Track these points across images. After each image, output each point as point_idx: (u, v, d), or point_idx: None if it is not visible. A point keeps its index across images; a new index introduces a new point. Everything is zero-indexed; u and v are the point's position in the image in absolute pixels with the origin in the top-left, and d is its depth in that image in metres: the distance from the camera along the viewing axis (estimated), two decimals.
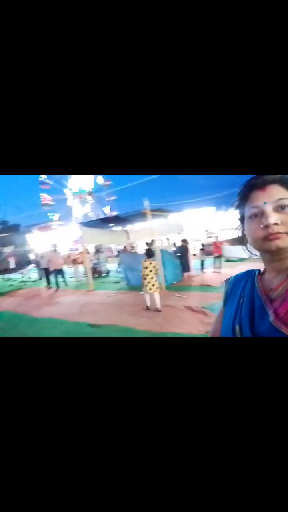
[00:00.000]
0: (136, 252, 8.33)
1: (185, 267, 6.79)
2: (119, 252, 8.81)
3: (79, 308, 4.99)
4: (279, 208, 0.49)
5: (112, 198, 22.02)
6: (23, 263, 10.92)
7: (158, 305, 4.15)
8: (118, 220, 7.62)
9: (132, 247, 9.07)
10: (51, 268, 7.17)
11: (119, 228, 8.41)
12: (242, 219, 0.56)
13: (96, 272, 8.47)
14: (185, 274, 6.80)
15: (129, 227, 8.41)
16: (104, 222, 8.04)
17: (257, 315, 0.51)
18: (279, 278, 0.51)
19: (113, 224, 8.22)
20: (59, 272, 7.21)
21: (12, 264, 10.98)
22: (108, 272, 9.29)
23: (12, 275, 10.36)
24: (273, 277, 0.53)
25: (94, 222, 8.58)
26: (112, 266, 9.46)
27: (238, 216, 0.57)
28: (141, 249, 9.86)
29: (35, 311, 4.95)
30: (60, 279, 7.23)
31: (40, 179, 19.82)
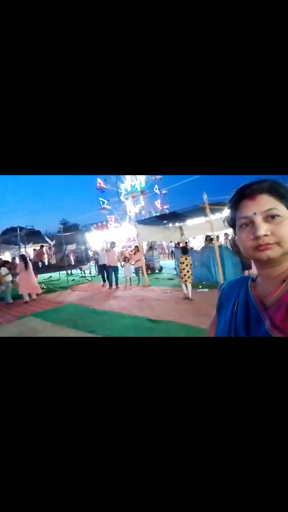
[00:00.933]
0: (192, 248, 8.11)
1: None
2: (175, 246, 8.74)
3: (137, 302, 5.12)
4: (269, 218, 0.48)
5: (164, 191, 22.06)
6: (83, 259, 11.87)
7: (189, 294, 5.01)
8: (173, 216, 7.53)
9: (186, 243, 8.89)
10: (108, 265, 7.33)
11: (172, 224, 8.32)
12: (233, 227, 0.56)
13: (150, 269, 8.57)
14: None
15: (182, 223, 8.25)
16: (159, 219, 8.05)
17: (252, 322, 0.51)
18: (273, 285, 0.51)
19: (166, 221, 8.18)
20: (115, 269, 7.33)
21: (73, 261, 12.03)
22: (161, 268, 9.29)
23: (74, 271, 11.34)
24: (266, 284, 0.53)
25: (149, 220, 8.68)
26: (164, 262, 9.43)
27: (230, 223, 0.57)
28: (196, 245, 9.56)
29: (96, 305, 5.27)
30: (114, 276, 7.37)
31: (98, 185, 20.98)
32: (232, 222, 0.55)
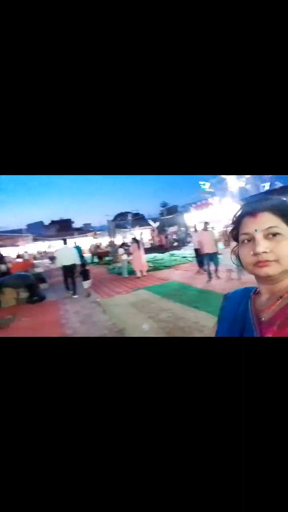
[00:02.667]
0: None
1: None
2: None
3: (240, 286, 5.04)
4: (270, 236, 0.49)
5: None
6: (184, 241, 12.36)
7: None
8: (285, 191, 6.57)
9: None
10: (202, 251, 5.68)
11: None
12: (237, 241, 0.57)
13: None
14: None
15: None
16: (269, 195, 7.21)
17: (246, 334, 0.52)
18: (271, 300, 0.52)
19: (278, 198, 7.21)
20: (212, 256, 5.52)
21: (174, 242, 12.72)
22: None
23: (175, 252, 12.03)
24: (265, 298, 0.54)
25: (257, 197, 7.92)
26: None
27: (234, 237, 0.58)
28: None
29: (198, 284, 5.57)
30: (212, 264, 5.57)
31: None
32: (235, 237, 0.56)
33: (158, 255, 11.38)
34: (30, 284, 5.99)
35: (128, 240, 12.13)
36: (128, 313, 4.17)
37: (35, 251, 14.38)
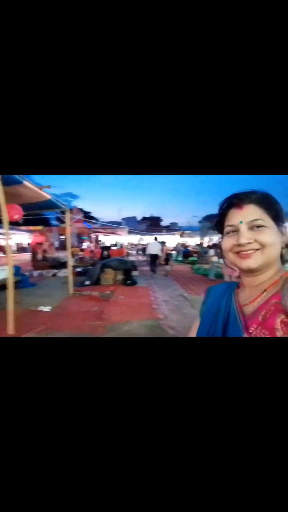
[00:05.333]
0: None
1: None
2: None
3: None
4: (254, 228, 0.49)
5: None
6: None
7: None
8: None
9: None
10: None
11: None
12: (221, 233, 0.56)
13: None
14: None
15: None
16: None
17: (230, 327, 0.51)
18: (254, 294, 0.52)
19: None
20: None
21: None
22: None
23: None
24: (249, 292, 0.54)
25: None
26: None
27: (218, 229, 0.57)
28: None
29: None
30: None
31: None
32: (220, 229, 0.56)
33: None
34: (127, 269, 6.78)
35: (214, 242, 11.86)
36: None
37: (126, 243, 15.93)
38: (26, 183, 3.84)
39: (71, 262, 6.00)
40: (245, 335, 0.47)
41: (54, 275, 8.09)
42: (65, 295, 5.40)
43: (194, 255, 13.48)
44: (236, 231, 0.51)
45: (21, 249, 17.34)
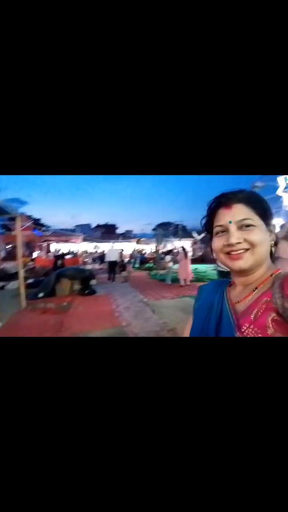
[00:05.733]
0: None
1: None
2: None
3: None
4: (243, 227, 0.50)
5: None
6: None
7: None
8: None
9: None
10: None
11: None
12: (210, 233, 0.57)
13: None
14: None
15: None
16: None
17: (223, 325, 0.51)
18: (245, 292, 0.52)
19: None
20: None
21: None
22: None
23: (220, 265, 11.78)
24: (240, 290, 0.54)
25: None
26: None
27: (208, 230, 0.57)
28: None
29: None
30: None
31: (252, 184, 19.38)
32: (209, 229, 0.57)
33: (200, 267, 11.32)
34: (84, 278, 6.55)
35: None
36: (176, 315, 4.32)
37: (81, 251, 15.46)
38: None
39: (22, 273, 5.53)
40: (238, 334, 0.47)
41: (2, 287, 7.31)
42: (17, 308, 4.93)
43: (150, 261, 13.82)
44: (225, 231, 0.51)
45: None
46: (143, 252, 17.17)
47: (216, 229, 0.53)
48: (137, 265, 13.53)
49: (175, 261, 8.27)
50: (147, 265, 13.63)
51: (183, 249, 7.72)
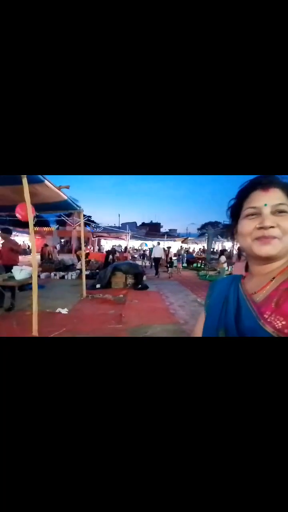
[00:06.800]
0: None
1: None
2: None
3: None
4: (277, 213, 0.48)
5: None
6: None
7: None
8: None
9: None
10: None
11: None
12: (235, 216, 0.55)
13: None
14: None
15: None
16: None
17: (243, 316, 0.50)
18: (263, 282, 0.51)
19: None
20: None
21: None
22: None
23: None
24: (256, 281, 0.53)
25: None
26: None
27: (233, 212, 0.55)
28: None
29: None
30: None
31: None
32: (236, 212, 0.55)
33: None
34: (137, 273, 6.71)
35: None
36: None
37: (129, 247, 15.91)
38: (46, 182, 3.78)
39: (84, 264, 5.92)
40: (261, 321, 0.46)
41: (62, 277, 7.98)
42: (78, 297, 5.30)
43: (198, 261, 13.47)
44: (258, 214, 0.50)
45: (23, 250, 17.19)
46: (191, 251, 16.86)
47: (247, 211, 0.51)
48: (184, 264, 13.36)
49: (229, 263, 7.88)
50: (194, 265, 13.33)
51: (239, 249, 7.30)
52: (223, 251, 10.01)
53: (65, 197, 4.63)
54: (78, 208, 5.45)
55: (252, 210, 0.50)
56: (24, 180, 3.08)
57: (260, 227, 0.48)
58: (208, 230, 12.59)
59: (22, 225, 5.24)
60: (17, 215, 3.59)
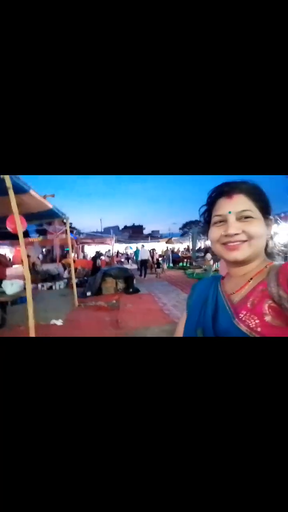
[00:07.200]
0: None
1: None
2: None
3: None
4: (242, 219, 0.49)
5: None
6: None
7: None
8: None
9: None
10: None
11: None
12: (207, 222, 0.56)
13: None
14: None
15: None
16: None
17: (220, 315, 0.51)
18: (240, 283, 0.52)
19: None
20: None
21: None
22: None
23: None
24: (234, 281, 0.54)
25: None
26: None
27: (206, 219, 0.57)
28: None
29: None
30: None
31: None
32: (207, 218, 0.56)
33: None
34: (128, 277, 6.72)
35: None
36: None
37: (115, 251, 15.83)
38: (32, 192, 3.71)
39: (73, 273, 5.84)
40: (236, 320, 0.47)
41: (50, 287, 7.78)
42: (70, 307, 5.21)
43: (184, 260, 13.71)
44: (224, 221, 0.51)
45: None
46: (176, 251, 17.10)
47: (214, 219, 0.53)
48: (170, 265, 13.52)
49: (215, 259, 8.11)
50: (180, 264, 13.55)
51: None
52: (208, 249, 10.31)
53: (51, 206, 4.55)
54: (63, 216, 5.38)
55: (218, 218, 0.52)
56: (10, 191, 3.01)
57: (226, 235, 0.49)
58: (191, 229, 12.86)
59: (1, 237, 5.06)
60: (8, 228, 3.49)
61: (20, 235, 3.11)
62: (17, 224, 3.08)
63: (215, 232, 0.52)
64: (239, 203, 0.50)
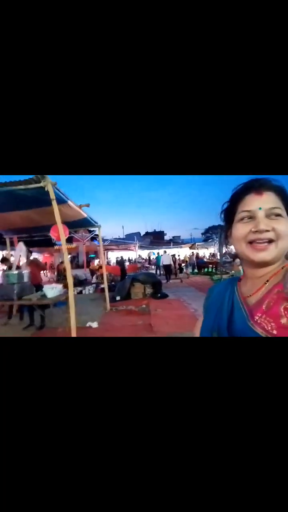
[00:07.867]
0: None
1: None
2: None
3: None
4: (272, 216, 0.48)
5: None
6: None
7: None
8: None
9: None
10: None
11: None
12: (229, 219, 0.54)
13: None
14: None
15: None
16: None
17: (235, 317, 0.51)
18: (256, 285, 0.51)
19: None
20: None
21: None
22: None
23: None
24: (251, 283, 0.53)
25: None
26: None
27: (226, 216, 0.55)
28: None
29: None
30: None
31: None
32: (230, 215, 0.54)
33: None
34: (155, 282, 6.80)
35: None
36: None
37: (138, 257, 16.03)
38: (69, 202, 3.97)
39: (105, 278, 6.04)
40: (251, 323, 0.46)
41: (80, 292, 8.09)
42: (101, 311, 5.39)
43: (209, 265, 13.50)
44: (252, 217, 0.49)
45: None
46: (201, 256, 16.90)
47: (241, 214, 0.51)
48: (195, 270, 13.39)
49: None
50: (205, 270, 13.35)
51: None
52: (237, 254, 10.07)
53: (85, 215, 4.82)
54: (96, 224, 5.63)
55: (246, 214, 0.50)
56: (54, 202, 3.26)
57: (255, 231, 0.48)
58: (216, 233, 12.69)
59: (31, 245, 5.43)
60: (51, 236, 3.77)
61: (63, 242, 3.34)
62: (60, 232, 3.32)
63: (242, 228, 0.50)
64: (270, 200, 0.49)
